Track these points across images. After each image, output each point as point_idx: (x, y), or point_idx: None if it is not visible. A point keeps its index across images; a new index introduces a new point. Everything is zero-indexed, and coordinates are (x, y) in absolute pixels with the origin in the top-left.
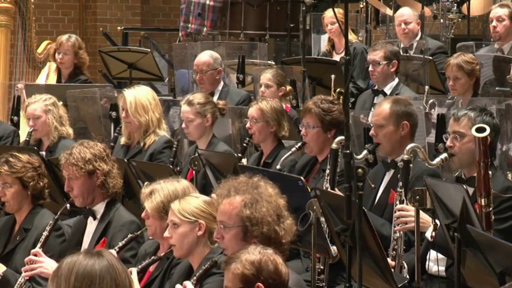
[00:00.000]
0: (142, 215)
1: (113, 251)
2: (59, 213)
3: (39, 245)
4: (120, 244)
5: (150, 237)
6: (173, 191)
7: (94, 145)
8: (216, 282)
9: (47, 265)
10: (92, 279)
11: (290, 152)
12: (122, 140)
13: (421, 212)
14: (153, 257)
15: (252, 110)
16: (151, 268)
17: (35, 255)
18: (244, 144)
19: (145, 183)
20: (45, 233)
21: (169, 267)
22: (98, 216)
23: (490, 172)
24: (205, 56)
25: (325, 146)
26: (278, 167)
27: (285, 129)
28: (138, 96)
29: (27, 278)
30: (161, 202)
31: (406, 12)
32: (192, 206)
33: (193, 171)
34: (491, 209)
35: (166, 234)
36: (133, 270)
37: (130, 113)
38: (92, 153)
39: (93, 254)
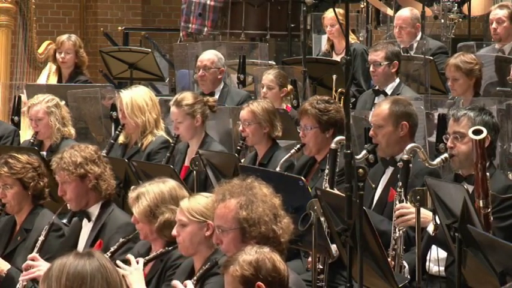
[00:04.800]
0: (132, 219)
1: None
2: (54, 217)
3: (36, 249)
4: (112, 249)
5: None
6: (159, 194)
7: (85, 148)
8: (218, 283)
9: (45, 268)
10: (83, 279)
11: (289, 153)
12: (120, 139)
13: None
14: (161, 250)
15: (244, 113)
16: (146, 270)
17: (32, 259)
18: (238, 147)
19: (132, 187)
20: (41, 238)
21: (164, 269)
22: (93, 218)
23: (488, 174)
24: (210, 54)
25: (324, 146)
26: (278, 169)
27: (278, 129)
28: (135, 97)
29: (25, 282)
30: (148, 206)
31: (402, 16)
32: (201, 205)
33: (189, 168)
34: (489, 210)
35: (173, 232)
36: (140, 260)
37: (126, 114)
38: (82, 157)
39: (83, 254)
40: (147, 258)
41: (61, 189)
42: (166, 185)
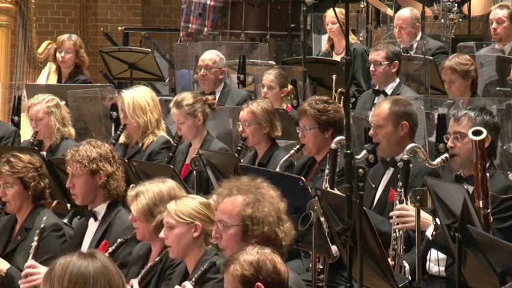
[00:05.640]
0: (129, 218)
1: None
2: (44, 220)
3: (31, 256)
4: (110, 249)
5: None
6: (158, 193)
7: (101, 145)
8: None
9: None
10: (86, 280)
11: (289, 154)
12: (121, 139)
13: (421, 210)
14: (150, 264)
15: (243, 113)
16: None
17: (30, 267)
18: (239, 148)
19: (131, 185)
20: (34, 244)
21: (163, 269)
22: (99, 218)
23: (488, 174)
24: (212, 54)
25: (324, 147)
26: (277, 169)
27: (278, 129)
28: (136, 97)
29: None
30: (146, 205)
31: (402, 16)
32: (188, 207)
33: (189, 168)
34: (489, 210)
35: (161, 234)
36: (134, 282)
37: (128, 114)
38: (98, 153)
39: (86, 255)
40: (140, 276)
41: (70, 181)
42: (166, 185)
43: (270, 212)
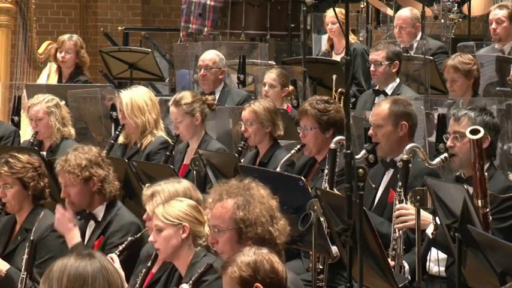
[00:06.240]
0: (144, 217)
1: (114, 255)
2: (34, 230)
3: (23, 268)
4: (120, 248)
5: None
6: (174, 193)
7: (89, 150)
8: None
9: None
10: (84, 280)
11: (289, 154)
12: (120, 139)
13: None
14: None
15: (245, 113)
16: (154, 269)
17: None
18: (240, 148)
19: (147, 184)
20: (25, 257)
21: (172, 269)
22: (99, 219)
23: (487, 174)
24: (212, 54)
25: (324, 146)
26: (278, 169)
27: (280, 128)
28: (135, 98)
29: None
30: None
31: (402, 16)
32: (176, 209)
33: (189, 167)
34: (488, 210)
35: (151, 239)
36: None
37: (126, 114)
38: (87, 159)
39: (84, 255)
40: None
41: (64, 191)
42: (181, 185)
43: (261, 212)
